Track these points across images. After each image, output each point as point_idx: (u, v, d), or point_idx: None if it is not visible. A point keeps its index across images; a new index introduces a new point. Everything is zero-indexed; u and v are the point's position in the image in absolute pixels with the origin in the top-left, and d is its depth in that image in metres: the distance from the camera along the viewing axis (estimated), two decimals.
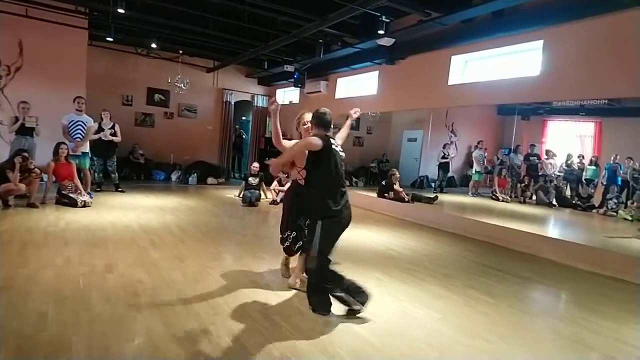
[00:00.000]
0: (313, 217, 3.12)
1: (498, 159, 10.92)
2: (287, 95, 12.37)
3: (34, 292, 2.95)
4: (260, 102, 12.91)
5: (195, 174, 10.93)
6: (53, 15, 8.04)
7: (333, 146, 3.00)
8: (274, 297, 3.26)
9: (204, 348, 2.39)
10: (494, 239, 6.03)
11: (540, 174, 10.11)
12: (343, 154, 3.10)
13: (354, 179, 11.31)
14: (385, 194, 8.48)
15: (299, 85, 10.13)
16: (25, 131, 6.81)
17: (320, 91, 10.33)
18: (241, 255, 4.45)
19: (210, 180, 11.15)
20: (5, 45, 8.04)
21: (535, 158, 10.44)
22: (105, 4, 6.91)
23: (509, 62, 6.61)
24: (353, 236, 5.82)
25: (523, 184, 10.17)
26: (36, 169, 6.16)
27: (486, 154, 10.45)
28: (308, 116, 3.36)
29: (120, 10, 6.69)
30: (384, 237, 5.93)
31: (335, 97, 10.08)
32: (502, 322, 3.15)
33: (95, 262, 3.74)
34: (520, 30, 5.89)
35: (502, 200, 9.73)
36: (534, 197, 9.81)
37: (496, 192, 10.04)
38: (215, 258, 4.24)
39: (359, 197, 9.34)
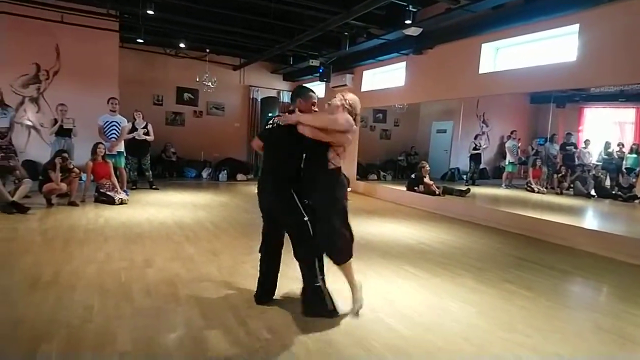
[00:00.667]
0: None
1: (532, 149, 10.56)
2: (313, 89, 12.35)
3: (79, 286, 3.10)
4: (286, 97, 12.97)
5: (225, 171, 11.13)
6: (86, 19, 8.33)
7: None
8: None
9: (242, 339, 2.44)
10: (529, 231, 5.86)
11: (577, 163, 9.72)
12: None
13: (382, 173, 11.22)
14: (415, 188, 8.37)
15: (324, 79, 10.11)
16: (63, 132, 7.12)
17: (345, 84, 10.27)
18: None
19: (239, 176, 11.33)
20: (43, 51, 8.40)
21: (572, 147, 10.04)
22: (135, 6, 7.11)
23: (542, 48, 6.36)
24: (383, 230, 5.80)
25: (560, 175, 9.81)
26: (75, 169, 6.43)
27: (520, 144, 10.13)
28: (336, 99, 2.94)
29: (150, 12, 6.85)
30: (415, 231, 5.87)
31: (361, 90, 10.00)
32: (541, 316, 3.07)
33: (134, 257, 3.88)
34: (554, 14, 5.66)
35: (538, 192, 9.42)
36: (571, 188, 9.45)
37: (531, 184, 9.72)
38: (248, 252, 4.30)
39: (388, 190, 9.26)
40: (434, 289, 3.48)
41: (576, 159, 9.83)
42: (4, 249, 3.92)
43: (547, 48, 6.27)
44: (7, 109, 6.64)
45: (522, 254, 4.89)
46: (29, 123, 8.38)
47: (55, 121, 7.13)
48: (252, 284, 3.23)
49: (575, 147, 10.08)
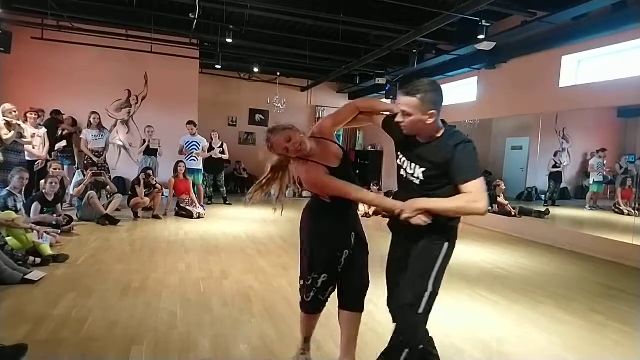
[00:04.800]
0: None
1: (621, 167, 9.63)
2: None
3: (164, 294, 3.34)
4: None
5: (290, 188, 11.42)
6: (171, 49, 9.13)
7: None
8: (376, 310, 3.24)
9: (313, 356, 2.46)
10: (619, 258, 5.32)
11: None
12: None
13: None
14: (489, 208, 7.98)
15: (391, 97, 10.09)
16: (150, 152, 7.79)
17: None
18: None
19: (305, 193, 11.55)
20: (134, 78, 9.33)
21: None
22: (215, 35, 7.68)
23: (632, 59, 5.86)
24: (456, 252, 5.57)
25: None
26: (158, 185, 6.99)
27: (605, 162, 9.28)
28: None
29: (229, 40, 7.36)
30: (490, 254, 5.57)
31: None
32: None
33: (212, 268, 4.11)
34: None
35: (628, 214, 8.53)
36: None
37: (619, 205, 8.84)
38: None
39: None
40: (514, 317, 3.27)
41: None
42: (99, 258, 4.34)
43: (638, 58, 5.76)
44: (103, 131, 7.43)
45: (612, 282, 4.44)
46: (120, 143, 9.29)
47: (144, 141, 7.83)
48: None
49: None
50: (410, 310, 1.80)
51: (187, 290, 3.45)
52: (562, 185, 9.95)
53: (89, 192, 6.12)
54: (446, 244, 1.90)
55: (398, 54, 8.39)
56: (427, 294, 1.80)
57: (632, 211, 8.76)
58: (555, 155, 9.63)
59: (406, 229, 1.86)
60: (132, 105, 9.42)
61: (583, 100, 6.32)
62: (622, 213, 8.63)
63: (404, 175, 1.94)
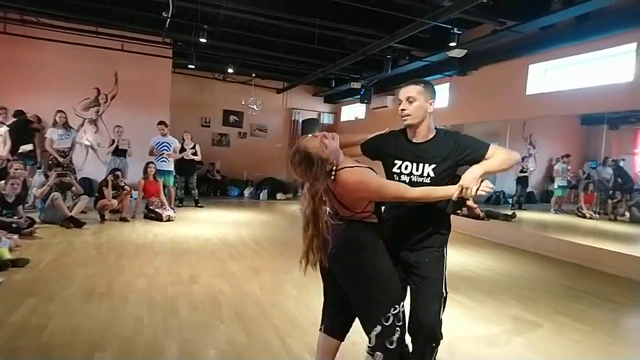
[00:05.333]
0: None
1: (584, 172, 10.04)
2: (353, 111, 12.51)
3: (130, 298, 3.24)
4: (326, 119, 13.23)
5: (265, 190, 11.36)
6: (143, 47, 8.92)
7: None
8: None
9: None
10: (582, 260, 5.52)
11: (635, 187, 9.13)
12: None
13: None
14: (458, 211, 8.15)
15: (365, 101, 10.19)
16: (119, 152, 7.56)
17: (386, 106, 10.29)
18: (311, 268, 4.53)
19: (279, 195, 11.51)
20: (104, 77, 9.06)
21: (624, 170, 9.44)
22: (188, 34, 7.55)
23: (595, 69, 6.13)
24: None
25: (615, 200, 9.24)
26: (126, 186, 6.78)
27: (569, 167, 9.67)
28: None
29: (202, 40, 7.25)
30: (459, 257, 5.68)
31: None
32: (599, 351, 2.87)
33: (181, 272, 4.02)
34: (609, 33, 5.45)
35: (590, 218, 8.90)
36: (627, 214, 8.86)
37: (582, 209, 9.21)
38: (289, 271, 4.34)
39: None
40: (481, 319, 3.35)
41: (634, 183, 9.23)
42: (62, 261, 4.17)
43: (601, 68, 6.03)
44: (70, 131, 7.17)
45: (575, 284, 4.61)
46: (88, 143, 8.99)
47: (113, 141, 7.60)
48: (294, 304, 3.25)
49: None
50: (437, 317, 1.95)
51: (154, 294, 3.36)
52: (529, 190, 10.30)
53: (52, 194, 5.88)
54: (445, 250, 2.03)
55: (373, 59, 8.48)
56: (443, 300, 1.98)
57: (594, 215, 9.17)
58: (522, 160, 9.95)
59: (404, 237, 1.98)
60: (101, 104, 9.14)
61: (548, 107, 6.55)
62: (584, 217, 9.01)
63: (408, 180, 1.95)
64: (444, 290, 1.97)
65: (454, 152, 1.93)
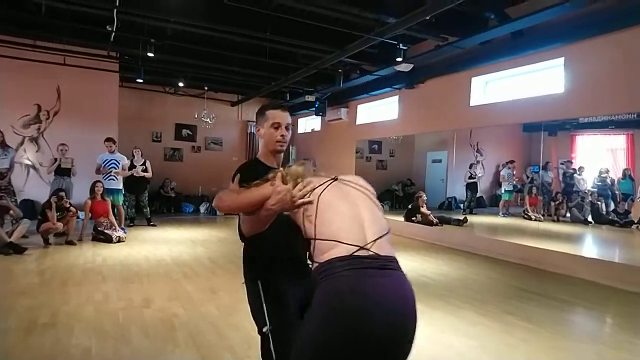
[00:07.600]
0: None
1: (527, 176, 10.68)
2: (309, 123, 12.62)
3: (77, 328, 3.06)
4: None
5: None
6: (87, 61, 8.55)
7: None
8: None
9: None
10: (529, 261, 5.85)
11: (574, 190, 9.81)
12: None
13: (380, 203, 11.26)
14: (413, 218, 8.40)
15: (320, 113, 10.33)
16: (62, 172, 7.17)
17: (341, 118, 10.48)
18: None
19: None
20: (45, 92, 8.59)
21: (570, 174, 10.15)
22: (135, 48, 7.34)
23: (530, 81, 6.58)
24: None
25: (557, 202, 9.88)
26: (72, 208, 6.42)
27: (514, 172, 10.25)
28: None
29: (150, 54, 7.07)
30: (416, 263, 5.85)
31: (357, 123, 10.20)
32: (543, 348, 3.04)
33: (132, 296, 3.85)
34: (540, 49, 5.89)
35: (535, 220, 9.45)
36: (568, 215, 9.49)
37: (528, 211, 9.77)
38: None
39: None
40: (435, 323, 3.45)
41: (574, 186, 9.91)
42: (0, 292, 3.88)
43: (535, 80, 6.48)
44: (8, 150, 6.73)
45: (522, 284, 4.87)
46: (29, 162, 8.46)
47: (55, 160, 7.20)
48: (251, 324, 3.19)
49: (572, 175, 10.18)
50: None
51: (103, 322, 3.20)
52: (478, 195, 10.81)
53: None
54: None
55: (325, 73, 8.63)
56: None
57: (539, 216, 9.73)
58: (470, 167, 10.45)
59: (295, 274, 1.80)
60: (43, 121, 8.64)
61: (490, 117, 6.94)
62: (530, 219, 9.55)
63: None
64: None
65: None
